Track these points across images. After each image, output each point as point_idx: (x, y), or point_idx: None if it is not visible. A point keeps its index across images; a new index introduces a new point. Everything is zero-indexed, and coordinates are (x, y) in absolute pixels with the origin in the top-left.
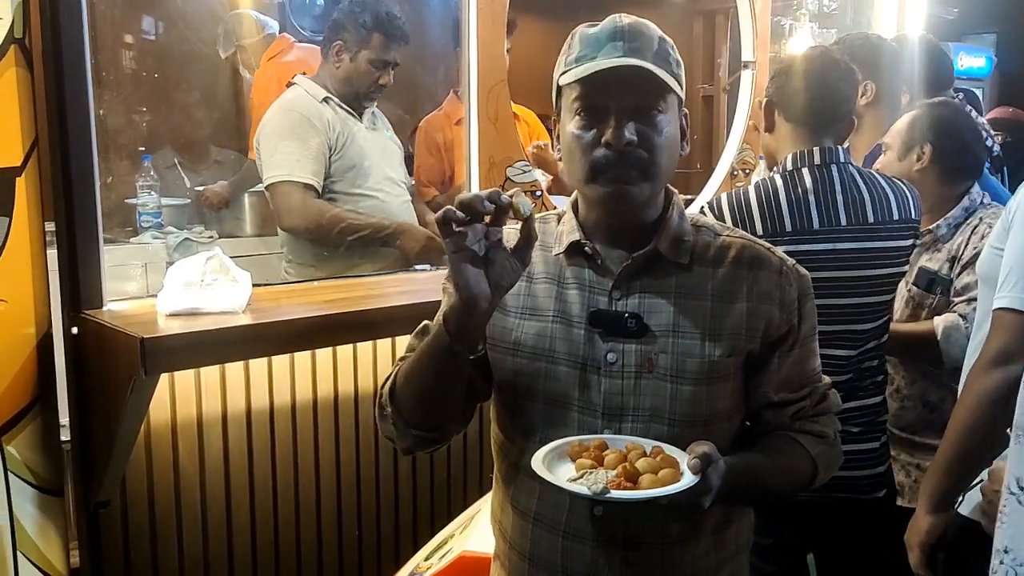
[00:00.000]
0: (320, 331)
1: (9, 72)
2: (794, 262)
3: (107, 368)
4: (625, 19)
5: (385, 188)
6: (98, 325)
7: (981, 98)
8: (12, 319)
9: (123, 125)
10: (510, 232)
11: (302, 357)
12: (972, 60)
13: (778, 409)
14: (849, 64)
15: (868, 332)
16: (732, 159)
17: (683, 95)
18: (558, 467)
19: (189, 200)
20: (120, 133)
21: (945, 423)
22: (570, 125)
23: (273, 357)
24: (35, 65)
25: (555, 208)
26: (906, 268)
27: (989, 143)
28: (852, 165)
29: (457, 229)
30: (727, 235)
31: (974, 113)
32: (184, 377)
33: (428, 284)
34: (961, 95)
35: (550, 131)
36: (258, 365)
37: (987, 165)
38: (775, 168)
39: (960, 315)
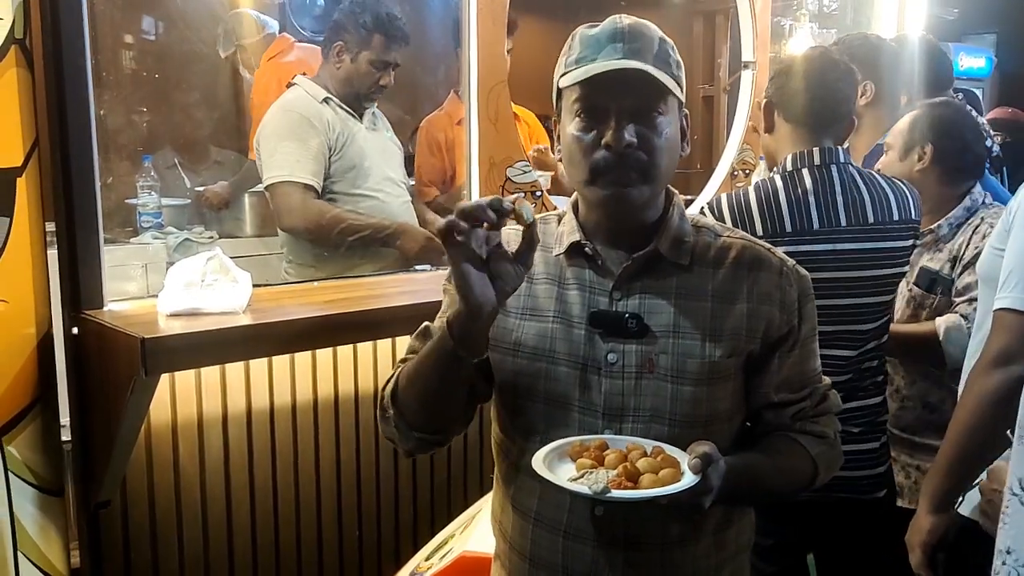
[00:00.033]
0: (320, 331)
1: (9, 72)
2: (794, 263)
3: (107, 368)
4: (625, 20)
5: (385, 188)
6: (98, 325)
7: (981, 98)
8: (12, 319)
9: (123, 125)
10: (509, 233)
11: (302, 357)
12: (972, 60)
13: (778, 410)
14: (849, 64)
15: (868, 332)
16: (732, 160)
17: (683, 96)
18: (559, 467)
19: (189, 200)
20: (120, 133)
21: (945, 424)
22: (570, 127)
23: (273, 357)
24: (35, 65)
25: (555, 209)
26: (906, 268)
27: (989, 143)
28: (852, 165)
29: (459, 238)
30: (727, 236)
31: (974, 113)
32: (184, 377)
33: (428, 284)
34: (961, 95)
35: (550, 132)
36: (258, 365)
37: (986, 165)
38: (775, 169)
39: (961, 315)
